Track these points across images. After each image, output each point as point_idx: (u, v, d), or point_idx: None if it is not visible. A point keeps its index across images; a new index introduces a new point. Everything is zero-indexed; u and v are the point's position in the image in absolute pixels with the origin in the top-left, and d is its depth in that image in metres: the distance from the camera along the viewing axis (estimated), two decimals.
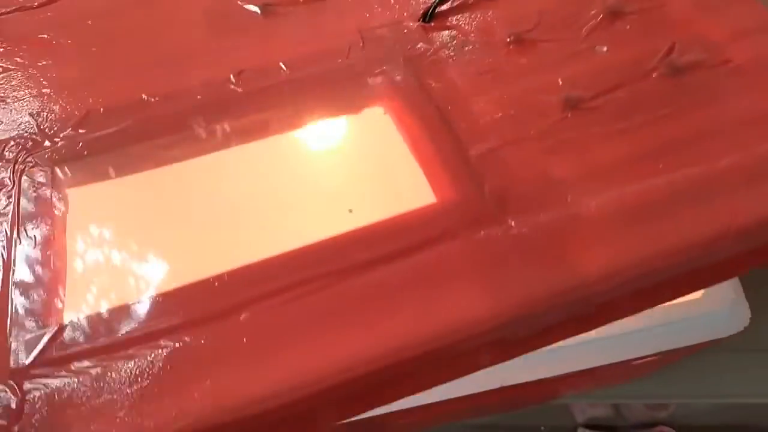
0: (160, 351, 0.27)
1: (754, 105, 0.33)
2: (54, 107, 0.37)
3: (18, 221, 0.32)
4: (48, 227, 0.32)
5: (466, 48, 0.38)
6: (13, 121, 0.36)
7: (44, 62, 0.39)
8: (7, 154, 0.35)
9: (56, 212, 0.33)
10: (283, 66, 0.38)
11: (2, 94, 0.38)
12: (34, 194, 0.33)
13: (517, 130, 0.33)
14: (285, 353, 0.26)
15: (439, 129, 0.33)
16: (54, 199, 0.33)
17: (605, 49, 0.36)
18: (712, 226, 0.28)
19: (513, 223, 0.29)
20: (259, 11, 0.41)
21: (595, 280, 0.27)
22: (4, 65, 0.39)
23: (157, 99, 0.36)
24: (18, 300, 0.29)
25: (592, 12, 0.38)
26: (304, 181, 0.33)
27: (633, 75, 0.35)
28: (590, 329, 0.30)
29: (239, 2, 0.42)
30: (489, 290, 0.27)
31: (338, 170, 0.34)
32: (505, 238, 0.29)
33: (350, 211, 0.30)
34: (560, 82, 0.35)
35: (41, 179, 0.33)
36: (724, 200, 0.29)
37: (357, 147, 0.35)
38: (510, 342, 0.28)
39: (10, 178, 0.34)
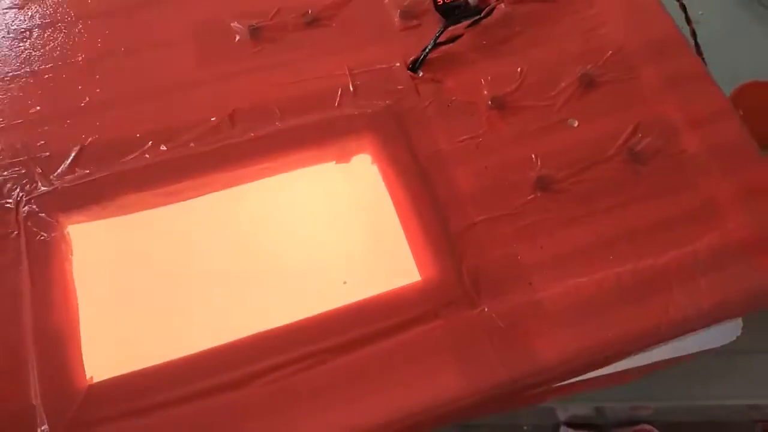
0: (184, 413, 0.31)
1: (698, 198, 0.37)
2: (49, 143, 0.37)
3: (27, 272, 0.34)
4: (56, 276, 0.34)
5: (450, 105, 0.40)
6: (8, 156, 0.37)
7: (35, 95, 0.38)
8: (6, 195, 0.35)
9: (62, 259, 0.34)
10: (276, 110, 0.39)
11: None
12: (39, 241, 0.34)
13: (492, 205, 0.37)
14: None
15: (423, 197, 0.37)
16: (60, 246, 0.35)
17: (576, 123, 0.40)
18: (649, 320, 0.34)
19: (485, 307, 0.34)
20: (248, 34, 0.41)
21: (553, 365, 0.33)
22: None
23: (150, 143, 0.37)
24: (37, 356, 0.32)
25: (569, 79, 0.41)
26: (300, 249, 0.36)
27: (598, 156, 0.38)
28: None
29: (227, 21, 0.42)
30: (463, 371, 0.32)
31: (332, 238, 0.37)
32: (478, 320, 0.34)
33: (345, 282, 0.34)
34: (534, 158, 0.38)
35: (44, 225, 0.35)
36: (661, 297, 0.35)
37: (349, 208, 0.38)
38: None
39: (14, 225, 0.35)
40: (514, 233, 0.36)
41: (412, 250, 0.35)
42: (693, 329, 0.36)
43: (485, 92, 0.40)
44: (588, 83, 0.41)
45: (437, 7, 0.44)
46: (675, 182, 0.38)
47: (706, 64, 0.43)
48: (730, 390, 0.49)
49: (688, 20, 0.46)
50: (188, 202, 0.38)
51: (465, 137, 0.39)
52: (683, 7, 0.46)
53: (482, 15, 0.41)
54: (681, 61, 0.42)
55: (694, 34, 0.46)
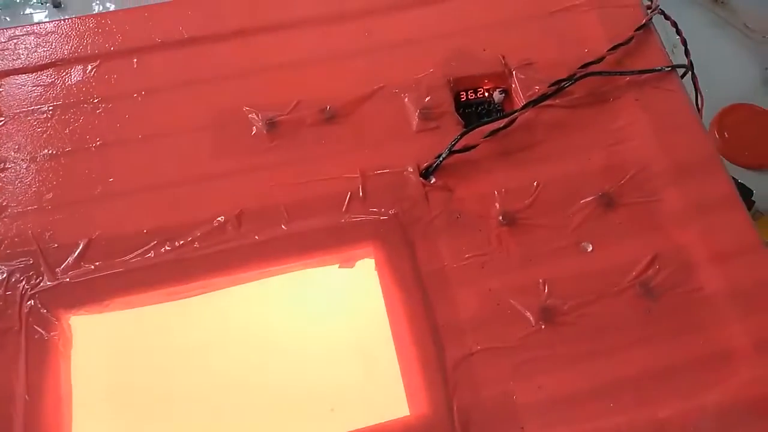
0: None
1: (711, 344, 0.36)
2: (58, 233, 0.38)
3: (23, 373, 0.34)
4: (51, 383, 0.35)
5: (459, 218, 0.39)
6: (18, 244, 0.37)
7: (50, 181, 0.39)
8: (11, 287, 0.36)
9: (59, 361, 0.35)
10: (284, 211, 0.39)
11: (4, 212, 0.38)
12: (39, 339, 0.35)
13: (492, 335, 0.36)
14: None
15: (421, 319, 0.36)
16: (58, 347, 0.35)
17: (590, 248, 0.38)
18: None
19: None
20: (265, 128, 0.41)
21: None
22: (5, 176, 0.39)
23: (156, 240, 0.38)
24: None
25: (587, 198, 0.39)
26: (289, 365, 0.36)
27: (609, 288, 0.37)
28: None
29: (245, 110, 0.42)
30: None
31: (324, 356, 0.36)
32: None
33: (332, 410, 0.34)
34: (541, 284, 0.37)
35: (44, 323, 0.36)
36: None
37: (345, 326, 0.38)
38: None
39: (16, 319, 0.36)
40: (512, 369, 0.35)
41: (405, 379, 0.35)
42: None
43: (497, 206, 0.39)
44: (607, 204, 0.39)
45: (458, 107, 0.43)
46: (688, 324, 0.36)
47: (701, 97, 0.42)
48: None
49: (687, 52, 0.44)
50: (187, 300, 0.38)
51: (471, 255, 0.38)
52: (684, 42, 0.45)
53: (502, 126, 0.40)
54: (710, 186, 0.40)
55: (691, 65, 0.44)
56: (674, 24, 0.45)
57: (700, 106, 0.44)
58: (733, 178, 0.65)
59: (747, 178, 0.71)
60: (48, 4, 0.82)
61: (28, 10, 0.82)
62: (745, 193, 0.67)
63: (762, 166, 0.73)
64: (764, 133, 0.73)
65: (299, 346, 0.36)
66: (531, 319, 0.36)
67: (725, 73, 0.76)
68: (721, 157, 0.42)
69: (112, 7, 0.85)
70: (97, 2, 0.87)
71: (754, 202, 0.67)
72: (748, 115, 0.74)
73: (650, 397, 0.34)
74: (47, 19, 0.80)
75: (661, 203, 0.39)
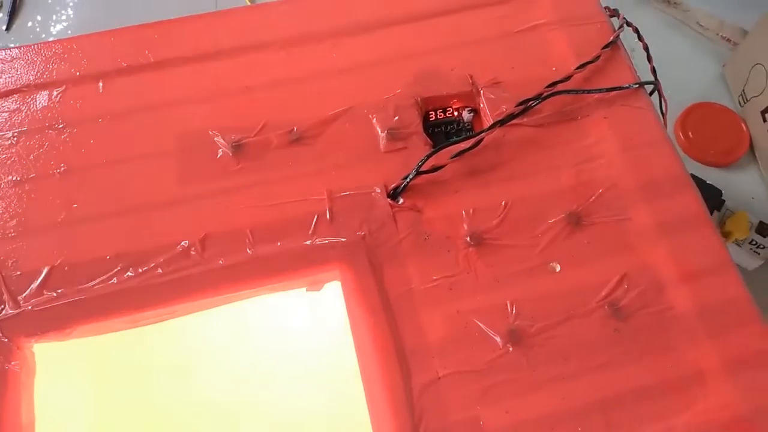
0: None
1: (679, 367, 0.35)
2: (21, 261, 0.37)
3: None
4: (9, 414, 0.34)
5: (427, 239, 0.39)
6: None
7: (13, 208, 0.39)
8: None
9: (19, 391, 0.35)
10: (249, 235, 0.38)
11: None
12: (1, 368, 0.35)
13: (460, 358, 0.35)
14: None
15: (388, 343, 0.35)
16: (19, 377, 0.35)
17: (558, 268, 0.38)
18: None
19: None
20: (231, 150, 0.41)
21: None
22: None
23: (119, 266, 0.37)
24: None
25: (555, 217, 0.39)
26: (251, 392, 0.35)
27: (577, 309, 0.36)
28: None
29: (211, 134, 0.41)
30: None
31: (286, 385, 0.36)
32: None
33: None
34: (509, 306, 0.37)
35: (6, 352, 0.35)
36: None
37: (309, 350, 0.37)
38: None
39: None
40: (479, 393, 0.34)
41: (370, 405, 0.34)
42: None
43: (465, 226, 0.39)
44: (575, 222, 0.39)
45: (427, 126, 0.43)
46: (657, 345, 0.36)
47: (665, 102, 0.42)
48: None
49: (649, 58, 0.46)
50: (151, 326, 0.37)
51: (439, 276, 0.37)
52: (645, 48, 0.45)
53: (470, 146, 0.40)
54: (679, 204, 0.39)
55: (654, 71, 0.45)
56: (636, 30, 0.45)
57: (664, 111, 0.44)
58: (701, 179, 0.66)
59: (714, 176, 0.71)
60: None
61: None
62: (715, 194, 0.67)
63: (727, 163, 0.73)
64: (726, 131, 0.73)
65: (264, 370, 0.36)
66: (499, 341, 0.36)
67: (683, 72, 0.76)
68: (686, 156, 0.42)
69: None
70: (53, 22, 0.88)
71: (723, 201, 0.67)
72: (709, 114, 0.74)
73: (619, 421, 0.34)
74: None
75: (629, 222, 0.39)
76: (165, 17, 0.44)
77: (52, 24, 0.90)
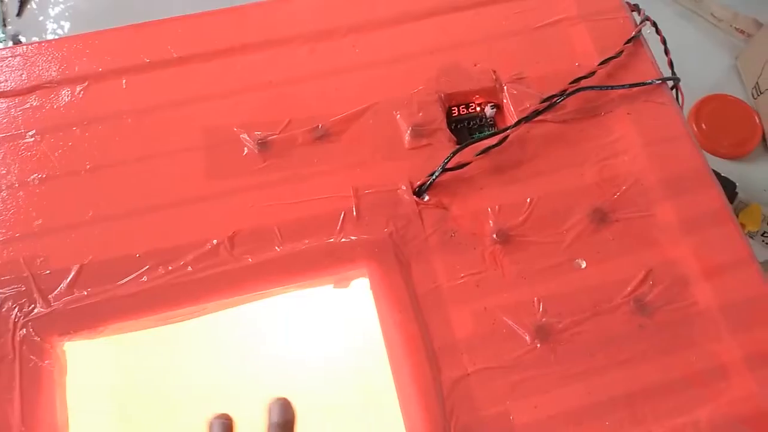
0: None
1: (702, 362, 0.36)
2: (50, 259, 0.37)
3: (18, 402, 0.34)
4: (46, 412, 0.34)
5: (453, 236, 0.39)
6: (10, 271, 0.37)
7: (40, 206, 0.39)
8: (4, 315, 0.36)
9: (53, 388, 0.35)
10: (277, 232, 0.39)
11: None
12: (33, 367, 0.35)
13: (488, 355, 0.36)
14: None
15: (417, 341, 0.36)
16: (52, 374, 0.35)
17: (583, 265, 0.38)
18: None
19: None
20: (256, 147, 0.41)
21: None
22: None
23: (149, 264, 0.37)
24: None
25: (580, 214, 0.39)
26: (283, 386, 0.35)
27: (603, 305, 0.37)
28: None
29: (236, 130, 0.41)
30: None
31: (318, 380, 0.36)
32: None
33: None
34: (536, 302, 0.37)
35: (38, 350, 0.35)
36: None
37: (339, 347, 0.38)
38: None
39: (9, 348, 0.35)
40: (509, 389, 0.35)
41: (401, 401, 0.35)
42: None
43: (491, 223, 0.39)
44: (600, 219, 0.39)
45: (449, 122, 0.43)
46: (680, 340, 0.36)
47: (682, 95, 0.42)
48: None
49: (666, 51, 0.46)
50: (182, 323, 0.38)
51: (466, 273, 0.38)
52: (663, 41, 0.46)
53: (495, 143, 0.40)
54: (702, 200, 0.40)
55: (671, 64, 0.45)
56: (654, 24, 0.45)
57: (681, 102, 0.44)
58: (716, 172, 0.66)
59: (727, 168, 0.71)
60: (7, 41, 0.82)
61: None
62: (729, 186, 0.67)
63: (740, 156, 0.73)
64: (739, 123, 0.74)
65: (295, 368, 0.36)
66: (526, 337, 0.36)
67: (696, 64, 0.76)
68: (703, 150, 0.42)
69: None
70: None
71: (737, 193, 0.68)
72: (722, 106, 0.74)
73: (644, 414, 0.35)
74: None
75: (653, 218, 0.39)
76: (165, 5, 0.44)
77: (50, 6, 0.89)
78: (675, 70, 0.45)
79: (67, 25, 0.88)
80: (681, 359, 0.36)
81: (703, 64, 0.77)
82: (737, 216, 0.67)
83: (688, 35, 0.79)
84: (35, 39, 0.86)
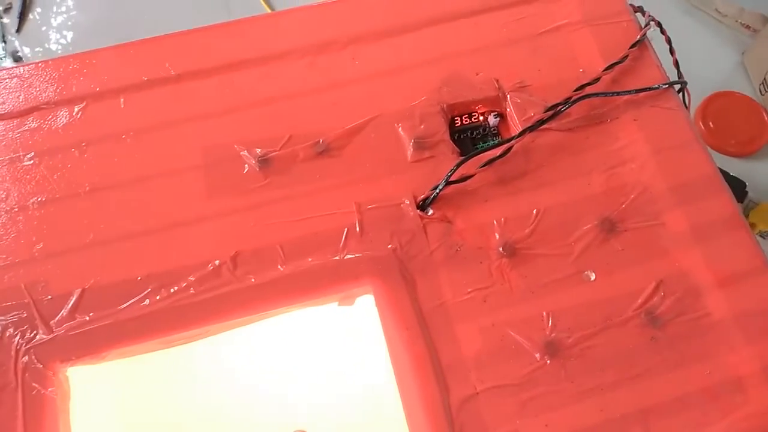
0: None
1: (718, 375, 0.35)
2: (51, 284, 0.37)
3: (24, 428, 0.34)
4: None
5: (459, 251, 0.38)
6: (11, 297, 0.37)
7: (40, 230, 0.38)
8: (6, 342, 0.36)
9: (56, 416, 0.35)
10: (280, 251, 0.38)
11: None
12: (35, 395, 0.35)
13: (497, 372, 0.35)
14: None
15: (424, 360, 0.35)
16: (55, 402, 0.35)
17: (593, 277, 0.37)
18: None
19: None
20: (257, 165, 0.40)
21: None
22: None
23: (151, 287, 0.37)
24: None
25: (588, 224, 0.38)
26: (290, 407, 0.35)
27: (613, 318, 0.36)
28: None
29: (236, 147, 0.41)
30: None
31: (325, 399, 0.36)
32: None
33: None
34: (545, 317, 0.36)
35: (41, 378, 0.35)
36: None
37: (345, 365, 0.37)
38: None
39: (12, 376, 0.35)
40: (518, 407, 0.34)
41: (409, 421, 0.34)
42: None
43: (497, 236, 0.38)
44: (609, 229, 0.38)
45: (452, 132, 0.42)
46: (694, 352, 0.35)
47: (688, 95, 0.41)
48: None
49: (672, 51, 0.44)
50: (186, 345, 0.37)
51: (472, 289, 0.37)
52: (669, 41, 0.44)
53: (499, 154, 0.39)
54: (713, 207, 0.39)
55: (677, 64, 0.44)
56: (659, 24, 0.44)
57: (687, 104, 0.43)
58: (725, 171, 0.65)
59: (737, 167, 0.70)
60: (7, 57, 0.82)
61: None
62: (739, 186, 0.66)
63: (749, 153, 0.72)
64: (747, 120, 0.72)
65: (302, 387, 0.36)
66: (535, 354, 0.35)
67: (702, 61, 0.75)
68: (709, 148, 0.41)
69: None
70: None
71: (747, 192, 0.67)
72: (730, 103, 0.73)
73: (659, 430, 0.34)
74: None
75: (663, 227, 0.39)
76: (165, 17, 0.43)
77: (53, 16, 0.89)
78: (681, 69, 0.44)
79: (69, 35, 0.88)
80: (695, 372, 0.35)
81: (708, 61, 0.75)
82: (747, 215, 0.66)
83: (692, 32, 0.77)
84: (38, 49, 0.86)
